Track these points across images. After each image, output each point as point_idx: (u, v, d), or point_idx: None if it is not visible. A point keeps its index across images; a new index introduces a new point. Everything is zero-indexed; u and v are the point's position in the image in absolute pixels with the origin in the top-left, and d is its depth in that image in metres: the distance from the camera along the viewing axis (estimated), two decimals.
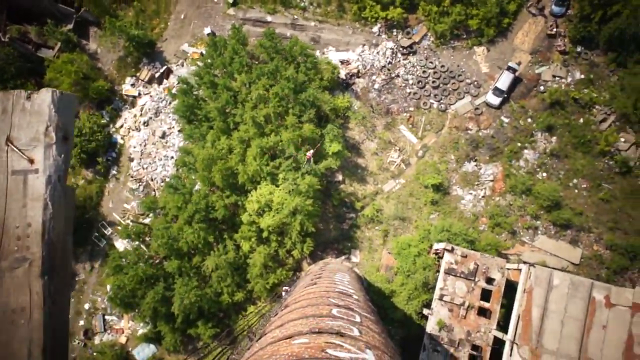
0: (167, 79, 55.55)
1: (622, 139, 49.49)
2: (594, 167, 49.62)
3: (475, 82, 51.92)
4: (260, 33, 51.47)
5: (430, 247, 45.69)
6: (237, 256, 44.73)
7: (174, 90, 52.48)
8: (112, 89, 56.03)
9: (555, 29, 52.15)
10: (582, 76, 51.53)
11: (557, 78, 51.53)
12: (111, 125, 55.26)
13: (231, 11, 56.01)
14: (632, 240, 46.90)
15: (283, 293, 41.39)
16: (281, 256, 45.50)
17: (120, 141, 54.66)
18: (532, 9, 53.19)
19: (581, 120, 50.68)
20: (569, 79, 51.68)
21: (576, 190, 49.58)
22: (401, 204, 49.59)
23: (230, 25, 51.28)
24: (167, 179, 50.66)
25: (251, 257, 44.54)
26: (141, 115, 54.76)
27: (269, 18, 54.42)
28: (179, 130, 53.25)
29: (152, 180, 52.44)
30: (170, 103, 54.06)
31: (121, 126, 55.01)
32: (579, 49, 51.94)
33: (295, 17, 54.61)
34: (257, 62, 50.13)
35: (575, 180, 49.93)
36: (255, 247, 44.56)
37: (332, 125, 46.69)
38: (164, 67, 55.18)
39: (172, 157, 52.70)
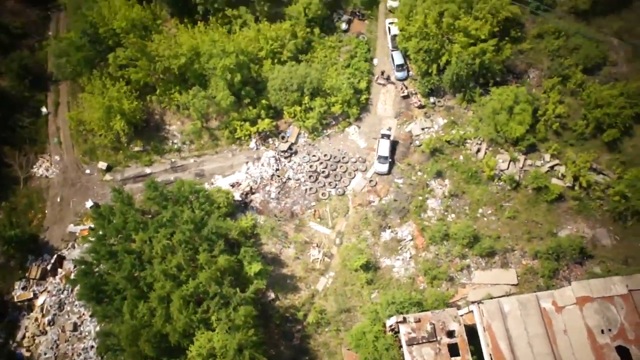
0: (60, 267, 54.43)
1: (500, 160, 57.08)
2: (490, 192, 56.20)
3: (360, 158, 57.73)
4: (144, 187, 53.41)
5: (384, 325, 47.25)
6: None
7: (72, 276, 51.35)
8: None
9: (406, 91, 60.77)
10: (445, 120, 59.77)
11: (425, 129, 59.18)
12: (11, 342, 51.77)
13: (108, 177, 57.80)
14: (549, 242, 52.72)
15: None
16: None
17: (27, 354, 51.08)
18: (380, 81, 61.84)
19: (461, 157, 57.91)
20: (436, 127, 59.58)
21: (485, 219, 55.30)
22: (340, 297, 51.39)
23: (111, 190, 52.61)
24: None
25: None
26: (43, 316, 52.34)
27: (147, 170, 57.00)
28: (90, 316, 51.44)
29: None
30: (72, 291, 52.54)
31: (23, 337, 51.82)
32: (432, 100, 60.67)
33: (173, 160, 57.82)
34: (150, 216, 51.41)
35: (480, 210, 55.84)
36: None
37: (246, 248, 48.48)
38: (54, 257, 54.28)
39: (92, 347, 50.23)
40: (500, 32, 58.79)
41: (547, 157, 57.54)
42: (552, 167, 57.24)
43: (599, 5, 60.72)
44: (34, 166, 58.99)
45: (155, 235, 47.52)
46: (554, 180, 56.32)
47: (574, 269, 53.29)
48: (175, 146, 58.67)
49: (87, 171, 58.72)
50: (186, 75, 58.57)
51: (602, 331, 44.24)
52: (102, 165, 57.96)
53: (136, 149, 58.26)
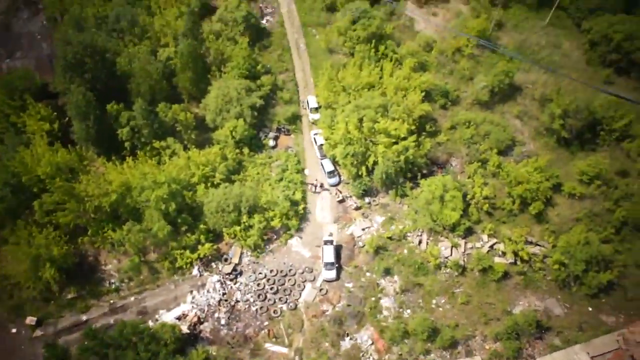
0: None
1: (443, 247, 59.88)
2: (439, 281, 58.16)
3: (307, 269, 58.61)
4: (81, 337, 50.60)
5: None
6: None
7: None
8: None
9: (340, 195, 64.05)
10: (383, 218, 62.86)
11: (366, 230, 61.75)
12: None
13: (38, 332, 54.45)
14: (506, 322, 54.31)
15: None
16: None
17: None
18: (314, 189, 64.93)
19: (405, 251, 60.28)
20: (375, 225, 62.39)
21: (440, 309, 56.57)
22: None
23: (43, 347, 49.28)
24: None
25: None
26: None
27: (84, 317, 54.50)
28: None
29: None
30: None
31: None
32: (367, 200, 64.14)
33: (112, 301, 55.91)
34: None
35: (434, 301, 57.21)
36: None
37: None
38: None
39: None
40: (418, 129, 64.84)
41: (485, 237, 61.19)
42: (491, 247, 60.69)
43: (497, 95, 69.20)
44: None
45: None
46: (497, 259, 59.43)
47: (535, 345, 54.63)
48: (113, 286, 57.01)
49: (14, 330, 54.93)
50: (119, 212, 58.82)
51: None
52: (31, 320, 54.62)
53: (70, 296, 55.92)
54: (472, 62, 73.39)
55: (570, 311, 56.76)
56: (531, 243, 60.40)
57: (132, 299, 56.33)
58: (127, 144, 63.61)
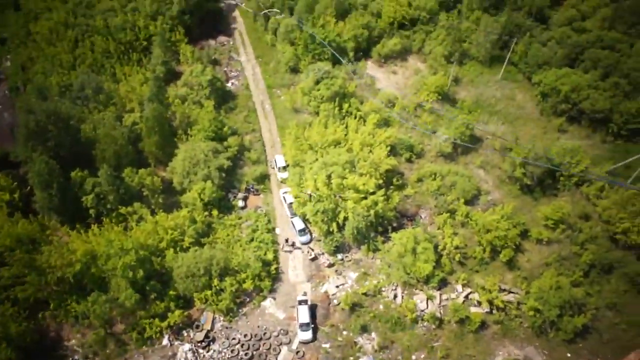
0: None
1: (418, 300, 59.68)
2: (417, 336, 57.59)
3: (282, 331, 57.11)
4: None
5: None
6: None
7: None
8: None
9: (313, 253, 63.75)
10: (357, 274, 62.59)
11: (340, 287, 61.19)
12: None
13: None
14: None
15: None
16: None
17: None
18: (286, 248, 64.57)
19: (381, 306, 59.76)
20: (349, 282, 61.97)
21: None
22: None
23: None
24: None
25: None
26: None
27: None
28: None
29: None
30: None
31: None
32: (339, 256, 63.99)
33: None
34: None
35: (414, 357, 56.36)
36: None
37: None
38: None
39: None
40: (385, 183, 66.21)
41: (459, 287, 61.48)
42: (466, 297, 60.88)
43: (460, 147, 71.82)
44: None
45: None
46: (473, 309, 59.53)
47: None
48: None
49: None
50: (83, 282, 56.74)
51: None
52: None
53: None
54: (434, 116, 76.38)
55: (549, 358, 56.71)
56: (505, 290, 60.92)
57: None
58: (92, 211, 62.40)
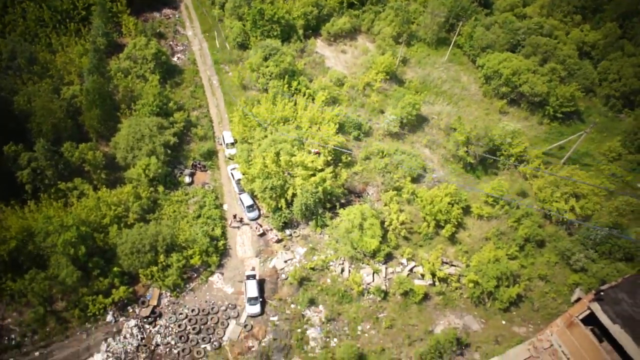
0: None
1: (365, 274, 62.94)
2: (364, 308, 60.77)
3: (230, 305, 58.75)
4: None
5: None
6: None
7: None
8: None
9: (261, 229, 65.53)
10: (305, 249, 65.01)
11: (288, 262, 63.40)
12: None
13: None
14: (429, 342, 57.54)
15: None
16: None
17: None
18: (234, 224, 65.99)
19: (329, 280, 62.52)
20: (298, 257, 64.27)
21: (366, 335, 58.95)
22: None
23: None
24: None
25: None
26: None
27: None
28: None
29: None
30: None
31: None
32: (288, 232, 66.13)
33: (12, 358, 52.09)
34: None
35: (360, 327, 59.54)
36: None
37: None
38: None
39: None
40: (334, 160, 68.75)
41: (404, 261, 65.21)
42: (411, 270, 64.72)
43: (406, 126, 75.48)
44: None
45: None
46: (417, 282, 63.39)
47: None
48: (13, 342, 53.25)
49: None
50: (19, 260, 55.78)
51: None
52: None
53: None
54: (382, 96, 79.60)
55: (486, 326, 61.53)
56: (447, 264, 65.27)
57: (37, 354, 52.89)
58: (28, 187, 61.05)
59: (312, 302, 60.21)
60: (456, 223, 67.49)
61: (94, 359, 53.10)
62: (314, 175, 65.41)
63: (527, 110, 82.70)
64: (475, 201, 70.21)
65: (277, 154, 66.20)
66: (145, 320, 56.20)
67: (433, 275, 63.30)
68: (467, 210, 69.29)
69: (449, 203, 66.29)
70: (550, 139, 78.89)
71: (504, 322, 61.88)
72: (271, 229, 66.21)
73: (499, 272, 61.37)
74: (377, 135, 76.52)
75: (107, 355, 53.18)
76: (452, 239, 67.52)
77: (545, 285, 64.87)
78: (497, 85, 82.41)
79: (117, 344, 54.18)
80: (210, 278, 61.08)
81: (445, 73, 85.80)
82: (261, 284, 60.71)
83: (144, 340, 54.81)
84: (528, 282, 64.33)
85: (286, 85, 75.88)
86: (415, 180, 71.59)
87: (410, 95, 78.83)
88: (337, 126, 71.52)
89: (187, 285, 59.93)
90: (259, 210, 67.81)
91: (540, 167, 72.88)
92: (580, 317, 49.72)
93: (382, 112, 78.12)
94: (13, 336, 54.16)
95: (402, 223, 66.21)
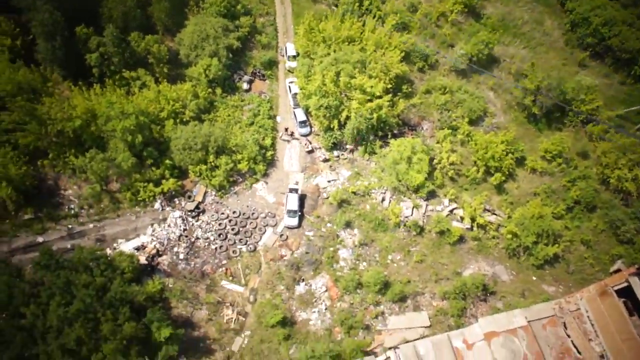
0: None
1: (404, 207, 63.81)
2: (397, 239, 62.22)
3: (269, 214, 61.55)
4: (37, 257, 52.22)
5: None
6: None
7: None
8: None
9: (310, 146, 66.72)
10: (350, 172, 66.11)
11: (331, 182, 64.91)
12: None
13: None
14: (455, 282, 59.01)
15: None
16: None
17: None
18: (284, 137, 67.42)
19: (368, 207, 63.91)
20: (341, 179, 65.60)
21: (395, 265, 60.83)
22: (257, 356, 52.97)
23: None
24: None
25: None
26: None
27: (40, 239, 55.86)
28: None
29: None
30: None
31: None
32: (336, 153, 67.11)
33: (70, 226, 57.37)
34: (44, 287, 50.11)
35: (390, 257, 61.39)
36: None
37: (152, 310, 48.78)
38: None
39: None
40: (393, 89, 67.77)
41: (446, 201, 65.45)
42: (451, 211, 65.05)
43: (475, 64, 72.56)
44: None
45: (51, 304, 46.49)
46: (455, 223, 63.90)
47: (479, 306, 59.77)
48: (72, 212, 58.39)
49: None
50: (82, 138, 59.61)
51: None
52: None
53: (26, 217, 57.07)
54: (455, 29, 76.18)
55: (515, 278, 62.15)
56: (488, 211, 65.09)
57: (91, 225, 58.06)
58: (95, 71, 63.78)
59: (348, 225, 62.13)
60: (507, 172, 66.35)
61: (139, 239, 57.70)
62: (370, 100, 64.94)
63: (611, 66, 77.40)
64: (532, 154, 68.24)
65: (337, 74, 65.72)
66: (189, 213, 59.94)
67: (472, 220, 63.49)
68: (520, 162, 67.65)
69: (503, 151, 64.82)
70: (629, 101, 74.23)
71: (534, 278, 62.25)
72: (320, 148, 67.32)
73: (540, 229, 60.97)
74: (442, 69, 74.21)
75: (152, 239, 57.68)
76: (499, 188, 66.76)
77: (586, 251, 64.05)
78: (583, 34, 76.91)
79: (161, 230, 58.49)
80: (254, 185, 63.64)
81: (528, 14, 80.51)
82: (302, 198, 62.81)
83: (185, 232, 58.87)
84: (569, 243, 63.59)
85: (357, 4, 73.57)
86: (473, 122, 69.97)
87: (486, 32, 74.93)
88: (402, 54, 69.61)
89: (232, 188, 62.82)
90: (311, 127, 68.68)
91: (610, 130, 69.31)
92: (616, 288, 49.47)
93: (452, 46, 75.10)
94: (72, 206, 59.23)
95: (452, 163, 65.78)
